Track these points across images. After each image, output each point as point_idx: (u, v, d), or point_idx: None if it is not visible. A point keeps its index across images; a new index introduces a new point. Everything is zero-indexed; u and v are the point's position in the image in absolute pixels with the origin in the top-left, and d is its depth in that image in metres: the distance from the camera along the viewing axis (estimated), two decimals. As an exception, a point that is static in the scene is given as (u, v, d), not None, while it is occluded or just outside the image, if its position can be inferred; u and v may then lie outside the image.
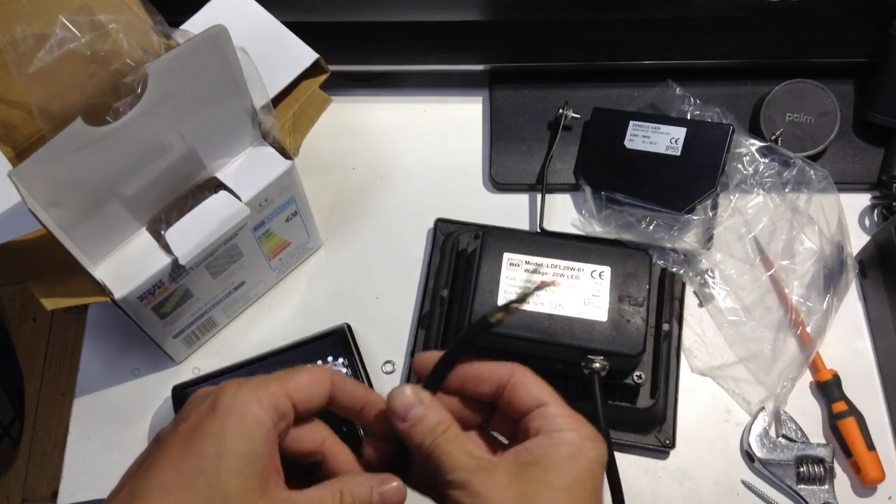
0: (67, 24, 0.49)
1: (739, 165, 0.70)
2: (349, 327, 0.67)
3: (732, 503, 0.63)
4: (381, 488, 0.39)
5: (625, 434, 0.63)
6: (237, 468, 0.36)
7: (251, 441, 0.37)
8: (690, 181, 0.68)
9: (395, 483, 0.40)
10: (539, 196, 0.72)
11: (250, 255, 0.63)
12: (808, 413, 0.65)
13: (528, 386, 0.41)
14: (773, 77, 0.73)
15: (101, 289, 0.54)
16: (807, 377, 0.67)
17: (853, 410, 0.63)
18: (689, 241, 0.68)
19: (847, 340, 0.68)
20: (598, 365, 0.57)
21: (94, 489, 0.63)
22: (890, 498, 0.63)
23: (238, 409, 0.37)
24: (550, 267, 0.60)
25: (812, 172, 0.69)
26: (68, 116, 0.49)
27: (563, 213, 0.73)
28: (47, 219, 0.48)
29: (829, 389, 0.65)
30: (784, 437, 0.64)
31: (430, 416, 0.40)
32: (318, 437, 0.42)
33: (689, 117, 0.71)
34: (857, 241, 0.71)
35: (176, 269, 0.56)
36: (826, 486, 0.62)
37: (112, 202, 0.53)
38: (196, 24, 0.60)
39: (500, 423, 0.44)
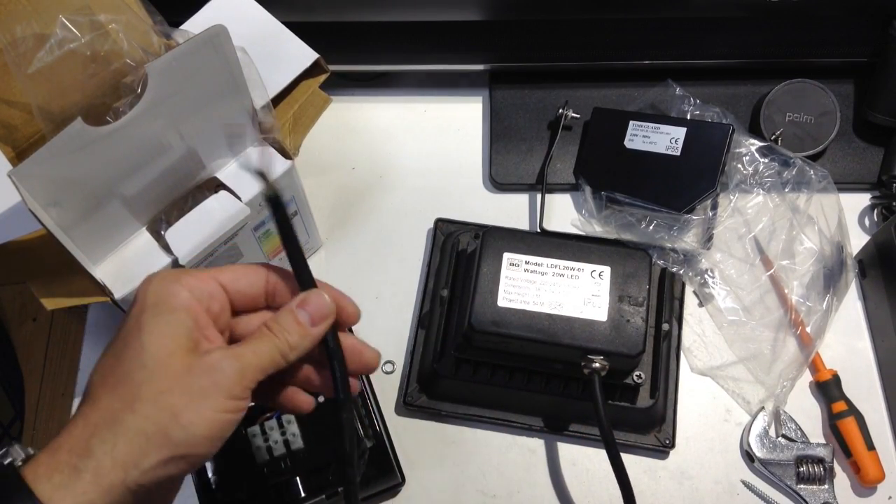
0: (67, 24, 0.48)
1: (739, 165, 0.70)
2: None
3: (732, 503, 0.63)
4: (303, 307, 0.41)
5: (625, 434, 0.63)
6: (158, 331, 0.38)
7: (170, 311, 0.39)
8: (690, 181, 0.68)
9: (313, 295, 0.42)
10: (539, 196, 0.72)
11: (250, 255, 0.63)
12: (807, 413, 0.65)
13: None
14: (773, 77, 0.73)
15: (101, 289, 0.54)
16: (806, 377, 0.67)
17: (853, 410, 0.63)
18: (689, 241, 0.68)
19: (847, 340, 0.68)
20: (597, 365, 0.57)
21: (94, 489, 0.63)
22: (890, 498, 0.63)
23: (154, 289, 0.40)
24: (550, 267, 0.60)
25: (812, 172, 0.69)
26: (68, 116, 0.49)
27: (563, 213, 0.73)
28: (47, 219, 0.48)
29: (828, 389, 0.65)
30: (784, 436, 0.64)
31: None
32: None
33: (688, 117, 0.71)
34: (857, 241, 0.71)
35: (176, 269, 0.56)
36: (826, 486, 0.62)
37: (112, 202, 0.52)
38: (196, 24, 0.60)
39: None
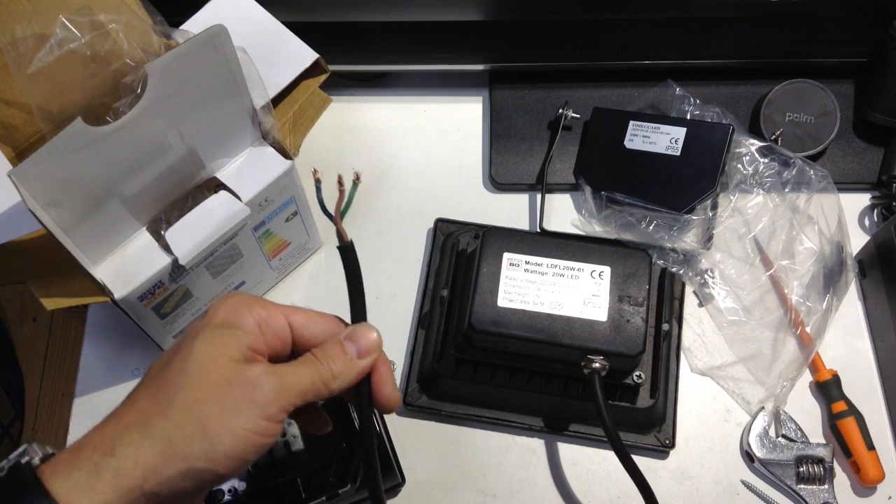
0: (67, 24, 0.48)
1: (739, 165, 0.70)
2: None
3: (732, 503, 0.63)
4: (351, 338, 0.42)
5: (625, 434, 0.63)
6: (210, 340, 0.39)
7: (229, 327, 0.39)
8: (690, 181, 0.68)
9: (361, 328, 0.42)
10: (539, 196, 0.72)
11: (250, 255, 0.63)
12: (807, 413, 0.65)
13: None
14: (773, 77, 0.73)
15: (101, 289, 0.54)
16: (806, 377, 0.67)
17: (853, 410, 0.63)
18: (689, 241, 0.68)
19: (847, 340, 0.68)
20: (597, 365, 0.57)
21: (94, 489, 0.63)
22: (890, 498, 0.63)
23: (224, 309, 0.40)
24: (550, 267, 0.60)
25: (812, 172, 0.69)
26: (68, 116, 0.49)
27: (563, 213, 0.73)
28: (47, 219, 0.48)
29: (828, 389, 0.65)
30: (784, 436, 0.64)
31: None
32: None
33: (689, 117, 0.71)
34: (857, 241, 0.71)
35: (176, 269, 0.56)
36: (826, 486, 0.62)
37: (112, 202, 0.53)
38: (196, 24, 0.60)
39: None
